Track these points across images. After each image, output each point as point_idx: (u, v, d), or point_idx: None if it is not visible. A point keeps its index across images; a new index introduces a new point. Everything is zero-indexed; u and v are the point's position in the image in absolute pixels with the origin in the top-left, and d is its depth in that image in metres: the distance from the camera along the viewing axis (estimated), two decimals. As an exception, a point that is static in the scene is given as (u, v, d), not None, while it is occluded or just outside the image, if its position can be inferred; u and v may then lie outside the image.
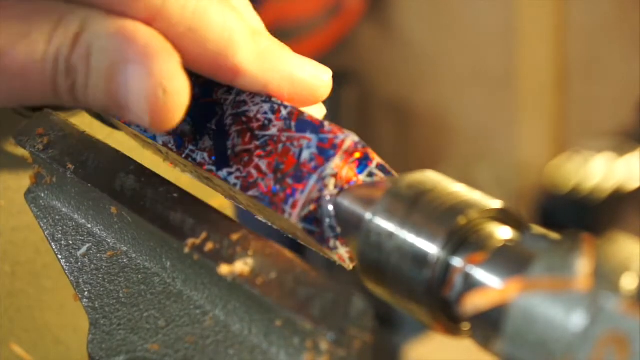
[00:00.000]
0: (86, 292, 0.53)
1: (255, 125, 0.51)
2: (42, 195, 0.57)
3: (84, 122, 0.63)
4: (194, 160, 0.52)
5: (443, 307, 0.45)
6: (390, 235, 0.46)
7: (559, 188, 1.97)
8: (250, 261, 0.46)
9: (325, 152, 0.49)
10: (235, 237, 0.48)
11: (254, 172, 0.50)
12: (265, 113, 0.51)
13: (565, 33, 2.15)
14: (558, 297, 0.38)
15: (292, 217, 0.48)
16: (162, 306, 0.51)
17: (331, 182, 0.49)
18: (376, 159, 0.50)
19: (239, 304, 0.48)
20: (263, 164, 0.50)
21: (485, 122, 2.29)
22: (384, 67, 2.41)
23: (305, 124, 0.50)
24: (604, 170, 1.93)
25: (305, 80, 0.52)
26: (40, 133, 0.57)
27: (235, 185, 0.51)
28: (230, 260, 0.47)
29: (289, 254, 0.47)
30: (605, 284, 0.38)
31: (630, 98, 2.09)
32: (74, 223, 0.56)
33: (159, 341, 0.50)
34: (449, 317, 0.45)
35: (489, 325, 0.42)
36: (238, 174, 0.51)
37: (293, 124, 0.50)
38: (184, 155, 0.53)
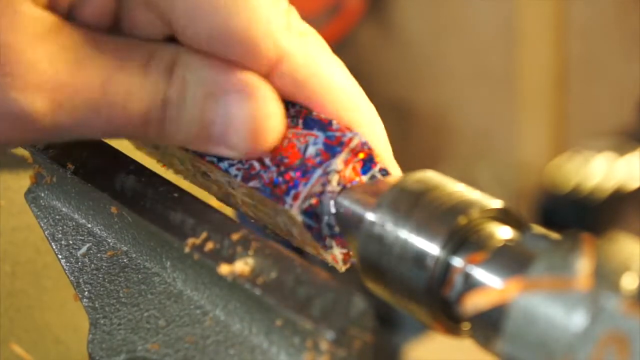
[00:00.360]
0: (86, 292, 0.53)
1: None
2: (42, 195, 0.57)
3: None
4: (195, 152, 0.52)
5: (443, 307, 0.45)
6: (391, 234, 0.46)
7: (559, 188, 1.97)
8: (250, 261, 0.46)
9: (332, 148, 0.49)
10: (235, 237, 0.48)
11: (256, 164, 0.50)
12: None
13: (565, 33, 2.15)
14: (558, 297, 0.38)
15: (293, 208, 0.48)
16: (162, 306, 0.51)
17: (334, 179, 0.49)
18: (380, 163, 0.50)
19: (239, 303, 0.48)
20: (266, 158, 0.50)
21: (486, 122, 2.29)
22: (384, 67, 2.40)
23: (313, 122, 0.50)
24: (604, 170, 1.93)
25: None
26: (41, 133, 0.57)
27: (236, 176, 0.51)
28: (230, 260, 0.47)
29: (289, 253, 0.47)
30: (606, 284, 0.38)
31: (631, 98, 2.09)
32: (74, 223, 0.56)
33: (159, 341, 0.50)
34: (449, 317, 0.45)
35: (489, 325, 0.42)
36: (240, 165, 0.51)
37: (300, 121, 0.51)
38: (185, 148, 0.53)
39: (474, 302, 0.42)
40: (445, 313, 0.45)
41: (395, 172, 0.51)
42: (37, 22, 0.45)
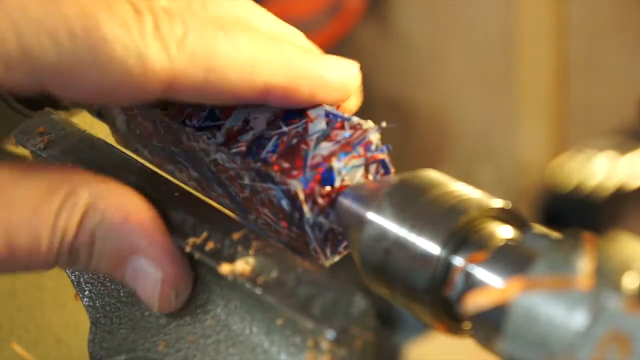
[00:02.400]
0: (87, 291, 0.53)
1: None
2: (43, 194, 0.57)
3: (85, 122, 0.62)
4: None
5: (444, 306, 0.45)
6: (391, 233, 0.46)
7: (560, 187, 1.97)
8: (251, 260, 0.46)
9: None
10: (236, 236, 0.48)
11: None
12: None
13: (565, 32, 2.15)
14: (559, 296, 0.38)
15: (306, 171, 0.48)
16: (163, 305, 0.51)
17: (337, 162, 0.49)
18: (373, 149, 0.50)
19: (240, 303, 0.48)
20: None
21: (486, 121, 2.29)
22: (384, 67, 2.40)
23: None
24: (605, 169, 1.93)
25: (336, 79, 0.51)
26: (41, 132, 0.57)
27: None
28: (231, 260, 0.47)
29: (290, 253, 0.47)
30: (607, 283, 0.38)
31: (631, 96, 2.09)
32: (74, 222, 0.55)
33: (159, 340, 0.50)
34: (450, 316, 0.45)
35: (490, 324, 0.42)
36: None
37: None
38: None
39: (475, 302, 0.42)
40: (446, 312, 0.45)
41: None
42: None
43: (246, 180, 0.50)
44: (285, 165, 0.48)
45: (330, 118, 0.50)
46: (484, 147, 2.32)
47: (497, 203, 0.45)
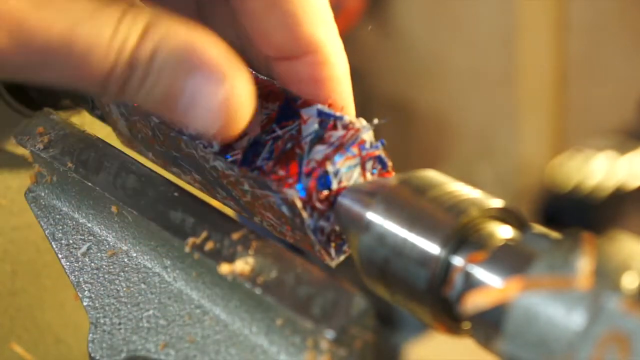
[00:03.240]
0: (86, 292, 0.53)
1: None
2: (43, 194, 0.57)
3: (84, 121, 0.63)
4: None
5: (444, 306, 0.45)
6: (391, 233, 0.46)
7: (560, 187, 1.97)
8: (250, 260, 0.46)
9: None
10: (235, 236, 0.48)
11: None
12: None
13: (565, 32, 2.15)
14: (559, 296, 0.38)
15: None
16: (163, 305, 0.51)
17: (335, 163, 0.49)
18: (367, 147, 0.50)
19: (239, 303, 0.48)
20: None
21: (486, 121, 2.29)
22: (384, 66, 2.40)
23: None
24: (605, 169, 1.93)
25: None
26: (41, 132, 0.57)
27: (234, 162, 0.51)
28: (230, 260, 0.47)
29: (289, 253, 0.47)
30: (606, 283, 0.38)
31: (631, 96, 2.09)
32: (74, 222, 0.56)
33: (159, 340, 0.50)
34: (449, 316, 0.45)
35: (489, 324, 0.42)
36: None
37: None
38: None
39: (475, 302, 0.42)
40: (446, 312, 0.45)
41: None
42: None
43: (246, 187, 0.51)
44: (281, 172, 0.48)
45: (323, 118, 0.50)
46: (484, 147, 2.32)
47: (497, 203, 0.45)
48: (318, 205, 0.49)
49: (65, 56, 0.44)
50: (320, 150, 0.48)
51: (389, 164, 0.51)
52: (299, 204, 0.48)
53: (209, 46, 0.46)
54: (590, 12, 2.13)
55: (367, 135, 0.49)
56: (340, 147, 0.49)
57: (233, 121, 0.47)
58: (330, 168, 0.48)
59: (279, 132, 0.50)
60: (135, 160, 0.54)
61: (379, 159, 0.50)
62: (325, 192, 0.49)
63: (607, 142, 2.00)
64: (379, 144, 0.50)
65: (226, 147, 0.51)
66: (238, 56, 0.47)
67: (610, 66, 2.15)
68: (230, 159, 0.50)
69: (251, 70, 0.54)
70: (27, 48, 0.43)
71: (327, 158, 0.48)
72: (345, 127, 0.49)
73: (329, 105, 0.51)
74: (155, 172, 0.53)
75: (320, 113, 0.50)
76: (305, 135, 0.49)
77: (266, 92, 0.52)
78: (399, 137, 2.39)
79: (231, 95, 0.46)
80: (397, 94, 2.39)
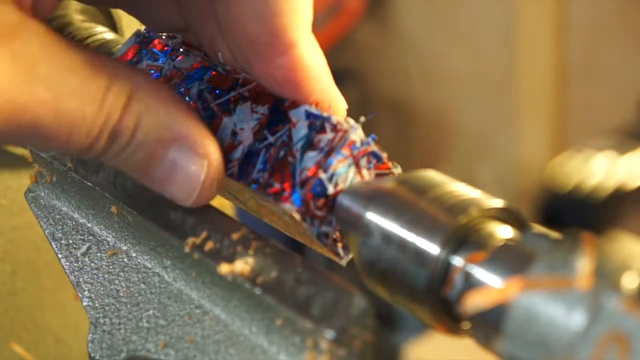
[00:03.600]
0: (86, 292, 0.53)
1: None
2: (43, 194, 0.57)
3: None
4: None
5: (443, 306, 0.45)
6: (391, 234, 0.46)
7: (560, 187, 1.97)
8: (250, 260, 0.46)
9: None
10: (235, 236, 0.48)
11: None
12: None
13: (565, 32, 2.15)
14: (559, 296, 0.38)
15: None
16: (163, 305, 0.51)
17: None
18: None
19: (239, 303, 0.48)
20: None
21: (486, 121, 2.29)
22: (384, 67, 2.40)
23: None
24: (605, 169, 1.93)
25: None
26: (41, 132, 0.57)
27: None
28: (230, 260, 0.47)
29: (289, 253, 0.47)
30: (606, 283, 0.38)
31: (631, 96, 2.09)
32: (74, 222, 0.56)
33: (159, 340, 0.50)
34: (449, 316, 0.45)
35: (489, 324, 0.42)
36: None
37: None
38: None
39: (474, 302, 0.42)
40: (446, 312, 0.45)
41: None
42: None
43: (247, 196, 0.51)
44: (277, 185, 0.49)
45: (311, 120, 0.50)
46: (484, 147, 2.32)
47: (497, 203, 0.45)
48: (317, 213, 0.49)
49: (53, 130, 0.45)
50: (311, 157, 0.49)
51: (384, 155, 0.51)
52: (297, 216, 0.48)
53: (188, 121, 0.48)
54: (590, 12, 2.13)
55: (356, 135, 0.49)
56: (331, 151, 0.49)
57: (207, 192, 0.49)
58: (323, 175, 0.48)
59: (271, 139, 0.50)
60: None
61: (372, 154, 0.50)
62: (323, 199, 0.49)
63: (607, 142, 2.00)
64: (369, 140, 0.50)
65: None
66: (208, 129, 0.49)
67: (610, 66, 2.15)
68: (227, 173, 0.51)
69: (240, 70, 0.54)
70: (16, 122, 0.44)
71: (319, 165, 0.48)
72: (334, 129, 0.49)
73: (316, 105, 0.51)
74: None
75: (309, 115, 0.50)
76: (296, 141, 0.49)
77: (254, 94, 0.52)
78: (398, 137, 2.39)
79: (208, 170, 0.49)
80: (397, 94, 2.39)
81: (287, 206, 0.48)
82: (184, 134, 0.48)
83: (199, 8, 0.55)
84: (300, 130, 0.49)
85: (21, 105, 0.43)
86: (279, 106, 0.51)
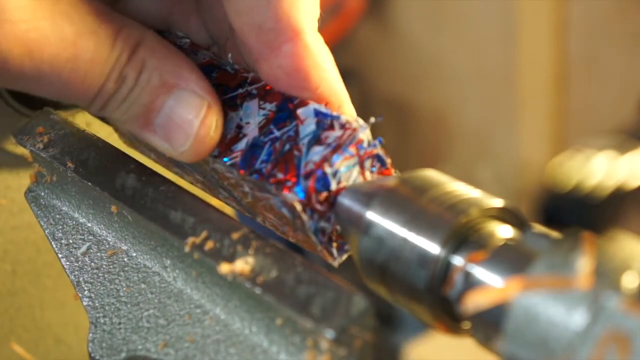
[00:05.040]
0: (86, 291, 0.53)
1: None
2: (43, 194, 0.57)
3: (84, 121, 0.63)
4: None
5: (444, 306, 0.45)
6: (391, 233, 0.46)
7: (560, 186, 1.97)
8: (250, 260, 0.46)
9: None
10: (235, 236, 0.48)
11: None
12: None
13: (565, 32, 2.15)
14: (559, 295, 0.38)
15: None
16: (163, 305, 0.51)
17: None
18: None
19: (239, 302, 0.48)
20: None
21: (486, 120, 2.29)
22: (384, 66, 2.40)
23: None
24: (605, 169, 1.93)
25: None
26: (41, 132, 0.57)
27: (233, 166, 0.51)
28: (230, 259, 0.47)
29: (289, 252, 0.47)
30: (606, 283, 0.38)
31: (631, 96, 2.09)
32: (74, 222, 0.56)
33: (159, 340, 0.50)
34: (449, 316, 0.45)
35: (489, 323, 0.42)
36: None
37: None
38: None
39: (475, 301, 0.42)
40: (446, 312, 0.45)
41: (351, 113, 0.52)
42: None
43: (246, 189, 0.51)
44: (280, 175, 0.49)
45: (320, 118, 0.50)
46: (484, 147, 2.32)
47: (497, 203, 0.45)
48: (318, 207, 0.49)
49: (70, 67, 0.46)
50: (318, 152, 0.48)
51: (388, 161, 0.51)
52: (298, 206, 0.48)
53: (190, 69, 0.50)
54: (590, 12, 2.13)
55: (364, 135, 0.49)
56: (338, 147, 0.48)
57: (201, 145, 0.50)
58: (328, 169, 0.48)
59: (277, 134, 0.50)
60: (135, 160, 0.54)
61: (377, 157, 0.50)
62: (325, 194, 0.49)
63: (606, 141, 2.00)
64: (376, 142, 0.50)
65: (225, 150, 0.51)
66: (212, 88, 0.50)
67: (610, 66, 2.15)
68: (229, 162, 0.50)
69: (248, 68, 0.54)
70: (38, 55, 0.45)
71: (325, 159, 0.48)
72: (343, 127, 0.49)
73: (326, 105, 0.51)
74: (155, 172, 0.53)
75: (317, 113, 0.50)
76: (303, 136, 0.49)
77: (263, 92, 0.52)
78: (398, 137, 2.39)
79: (205, 120, 0.50)
80: (396, 94, 2.39)
81: (289, 195, 0.48)
82: (185, 79, 0.49)
83: (212, 6, 0.55)
84: (308, 126, 0.49)
85: (44, 37, 0.45)
86: (287, 104, 0.51)
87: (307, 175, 0.48)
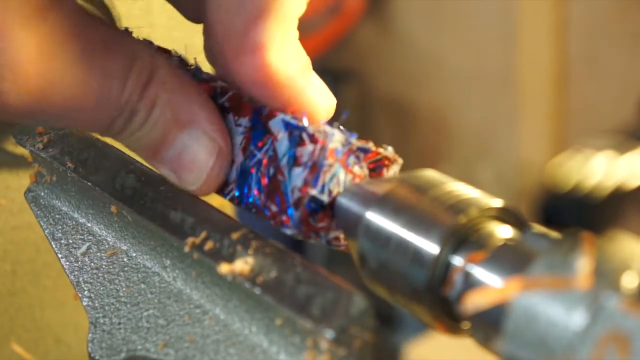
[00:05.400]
0: (86, 291, 0.53)
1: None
2: (42, 194, 0.57)
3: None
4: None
5: (443, 306, 0.45)
6: (391, 233, 0.46)
7: (559, 186, 1.97)
8: (250, 260, 0.46)
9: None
10: (235, 236, 0.48)
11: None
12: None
13: (565, 31, 2.15)
14: (558, 295, 0.38)
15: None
16: (162, 305, 0.51)
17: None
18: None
19: (239, 302, 0.48)
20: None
21: (486, 121, 2.29)
22: (384, 66, 2.40)
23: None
24: (604, 169, 1.93)
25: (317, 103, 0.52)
26: (40, 132, 0.57)
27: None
28: (230, 259, 0.47)
29: (289, 252, 0.47)
30: (606, 283, 0.38)
31: (631, 96, 2.09)
32: (74, 222, 0.56)
33: (159, 340, 0.50)
34: (449, 316, 0.45)
35: (489, 324, 0.42)
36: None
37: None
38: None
39: (474, 301, 0.42)
40: (445, 312, 0.45)
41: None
42: (25, 1, 0.43)
43: (254, 210, 0.51)
44: (274, 208, 0.49)
45: (290, 129, 0.49)
46: (484, 147, 2.32)
47: (497, 203, 0.45)
48: (319, 225, 0.49)
49: (81, 107, 0.46)
50: (298, 174, 0.48)
51: (369, 145, 0.50)
52: (300, 237, 0.48)
53: (203, 106, 0.49)
54: (590, 12, 2.13)
55: (335, 142, 0.49)
56: (315, 166, 0.48)
57: (214, 179, 0.50)
58: (313, 192, 0.48)
59: (259, 155, 0.50)
60: (135, 160, 0.54)
61: (358, 150, 0.50)
62: (321, 213, 0.49)
63: (606, 141, 2.00)
64: (350, 139, 0.49)
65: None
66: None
67: (610, 66, 2.15)
68: (228, 198, 0.51)
69: (217, 75, 0.53)
70: (48, 99, 0.45)
71: (307, 182, 0.48)
72: (312, 140, 0.48)
73: (292, 112, 0.50)
74: (155, 172, 0.53)
75: (286, 125, 0.49)
76: (282, 156, 0.49)
77: (234, 103, 0.52)
78: (398, 137, 2.39)
79: (218, 156, 0.50)
80: (396, 94, 2.40)
81: (289, 230, 0.48)
82: (198, 117, 0.49)
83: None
84: (282, 142, 0.49)
85: (53, 82, 0.44)
86: (258, 117, 0.51)
87: (297, 205, 0.48)
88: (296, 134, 0.49)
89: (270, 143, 0.50)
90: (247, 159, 0.50)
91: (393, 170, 0.51)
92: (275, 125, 0.50)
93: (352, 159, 0.49)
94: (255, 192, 0.50)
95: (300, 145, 0.49)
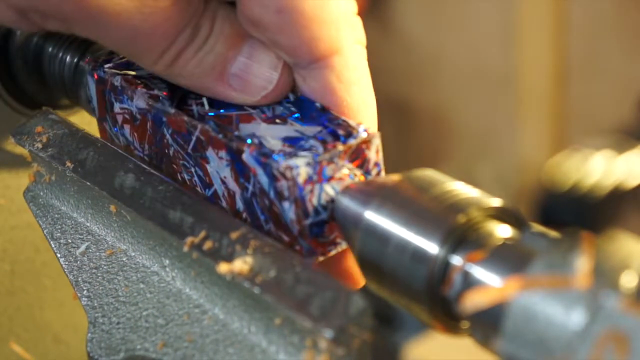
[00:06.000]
0: (85, 291, 0.53)
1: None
2: (41, 193, 0.57)
3: (83, 121, 0.63)
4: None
5: (442, 306, 0.45)
6: (390, 233, 0.46)
7: (558, 186, 1.96)
8: (249, 260, 0.46)
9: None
10: (234, 235, 0.48)
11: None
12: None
13: (566, 31, 2.15)
14: (557, 295, 0.38)
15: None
16: (161, 305, 0.51)
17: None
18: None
19: (238, 302, 0.48)
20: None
21: (486, 120, 2.29)
22: (384, 66, 2.40)
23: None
24: (603, 168, 1.93)
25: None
26: (40, 132, 0.57)
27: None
28: (229, 259, 0.47)
29: (288, 252, 0.47)
30: (605, 282, 0.38)
31: (631, 96, 2.09)
32: (73, 221, 0.55)
33: (158, 340, 0.50)
34: (448, 316, 0.45)
35: (488, 323, 0.42)
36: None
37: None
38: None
39: (473, 301, 0.42)
40: (445, 311, 0.45)
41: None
42: None
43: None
44: (285, 238, 0.49)
45: (262, 166, 0.48)
46: (484, 147, 2.32)
47: (496, 202, 0.45)
48: (332, 236, 0.49)
49: (147, 16, 0.46)
50: (289, 209, 0.48)
51: (339, 147, 0.48)
52: (320, 259, 0.49)
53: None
54: (590, 12, 2.13)
55: (303, 175, 0.47)
56: (297, 200, 0.47)
57: (283, 84, 0.49)
58: (309, 221, 0.48)
59: (251, 188, 0.49)
60: (134, 159, 0.54)
61: (330, 161, 0.48)
62: (326, 228, 0.49)
63: (605, 141, 2.00)
64: (315, 162, 0.48)
65: (233, 210, 0.51)
66: None
67: (610, 65, 2.15)
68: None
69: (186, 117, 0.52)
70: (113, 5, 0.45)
71: (299, 217, 0.48)
72: (284, 176, 0.47)
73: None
74: (154, 172, 0.53)
75: (255, 159, 0.48)
76: (268, 190, 0.48)
77: (207, 137, 0.50)
78: (398, 137, 2.39)
79: (284, 69, 0.49)
80: (396, 94, 2.39)
81: (308, 261, 0.48)
82: (265, 23, 0.48)
83: None
84: (262, 177, 0.48)
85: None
86: (232, 151, 0.49)
87: (302, 236, 0.48)
88: (269, 170, 0.48)
89: (254, 178, 0.49)
90: (244, 190, 0.50)
91: (375, 145, 0.50)
92: (248, 159, 0.49)
93: (329, 169, 0.48)
94: (263, 221, 0.50)
95: (276, 181, 0.48)
